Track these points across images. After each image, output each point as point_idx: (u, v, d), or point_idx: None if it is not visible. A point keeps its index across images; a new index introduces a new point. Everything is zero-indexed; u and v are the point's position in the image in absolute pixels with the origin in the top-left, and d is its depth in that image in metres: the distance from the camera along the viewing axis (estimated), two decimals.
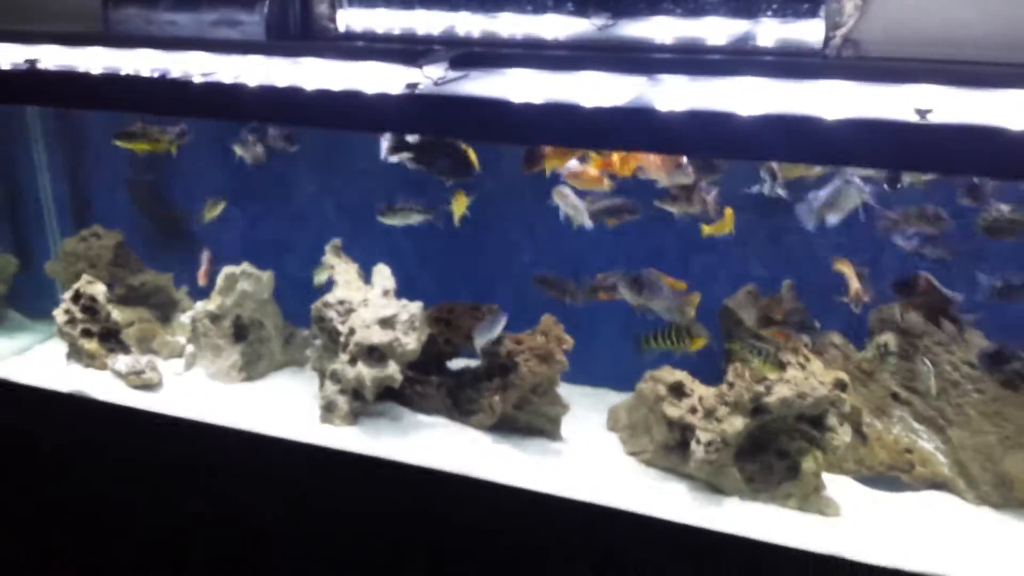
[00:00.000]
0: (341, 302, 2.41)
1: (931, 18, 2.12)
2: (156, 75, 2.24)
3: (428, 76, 2.05)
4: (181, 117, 2.50)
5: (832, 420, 2.03)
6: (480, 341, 2.29)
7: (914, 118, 1.62)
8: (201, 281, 2.63)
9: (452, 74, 2.07)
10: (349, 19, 2.63)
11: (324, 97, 1.96)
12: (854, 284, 2.11)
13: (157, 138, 2.52)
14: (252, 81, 2.10)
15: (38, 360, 2.81)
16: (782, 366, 2.03)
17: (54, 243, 2.94)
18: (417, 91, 1.93)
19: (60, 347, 2.78)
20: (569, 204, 2.23)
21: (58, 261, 2.82)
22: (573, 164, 2.21)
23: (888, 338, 2.17)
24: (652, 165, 2.10)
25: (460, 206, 2.34)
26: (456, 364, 2.53)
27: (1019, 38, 2.03)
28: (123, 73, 2.26)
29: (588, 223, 2.23)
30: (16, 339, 2.91)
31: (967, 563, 1.89)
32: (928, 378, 2.15)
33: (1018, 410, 2.06)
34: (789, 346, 2.09)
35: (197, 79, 2.17)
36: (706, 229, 2.17)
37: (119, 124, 2.71)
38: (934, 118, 1.62)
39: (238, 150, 2.57)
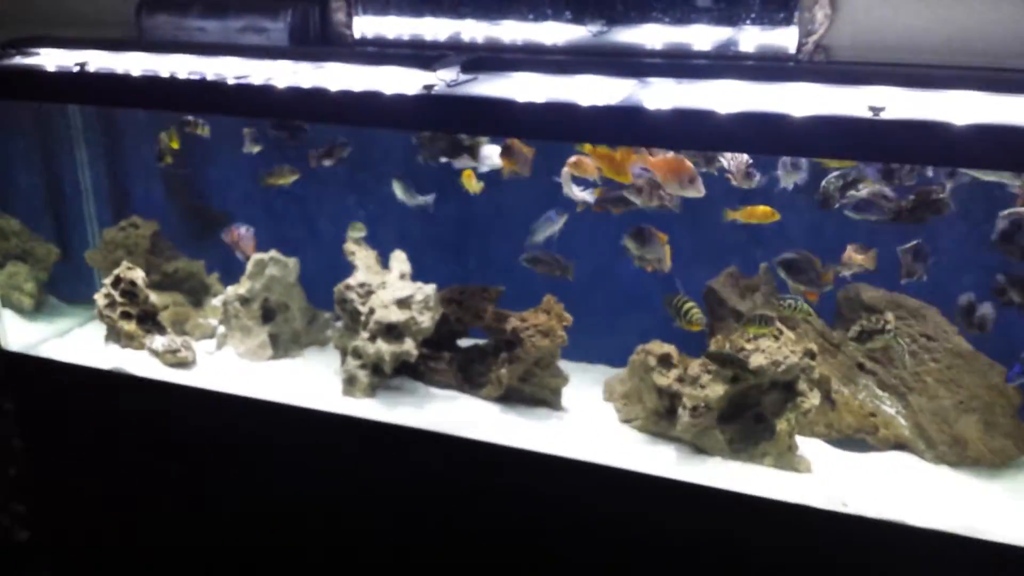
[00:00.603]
0: (361, 285, 2.64)
1: (893, 27, 2.36)
2: (192, 76, 2.49)
3: (442, 79, 2.30)
4: (216, 115, 2.73)
5: (803, 385, 2.27)
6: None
7: (868, 114, 1.88)
8: (250, 254, 2.85)
9: (463, 77, 2.31)
10: (364, 26, 2.86)
11: (349, 97, 2.20)
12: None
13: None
14: (282, 82, 2.34)
15: (78, 341, 3.04)
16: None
17: (92, 234, 3.17)
18: (433, 92, 2.19)
19: (98, 330, 3.01)
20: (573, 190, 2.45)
21: (97, 250, 3.05)
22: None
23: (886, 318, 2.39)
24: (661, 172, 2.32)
25: (471, 183, 2.54)
26: (465, 342, 2.78)
27: (968, 44, 2.27)
28: (162, 75, 2.50)
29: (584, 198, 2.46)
30: (56, 323, 3.15)
31: (924, 512, 2.12)
32: (902, 355, 2.38)
33: (970, 377, 2.30)
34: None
35: (231, 80, 2.41)
36: (729, 214, 2.37)
37: (159, 122, 2.97)
38: (885, 115, 1.86)
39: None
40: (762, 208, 2.32)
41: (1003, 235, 2.13)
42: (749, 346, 2.27)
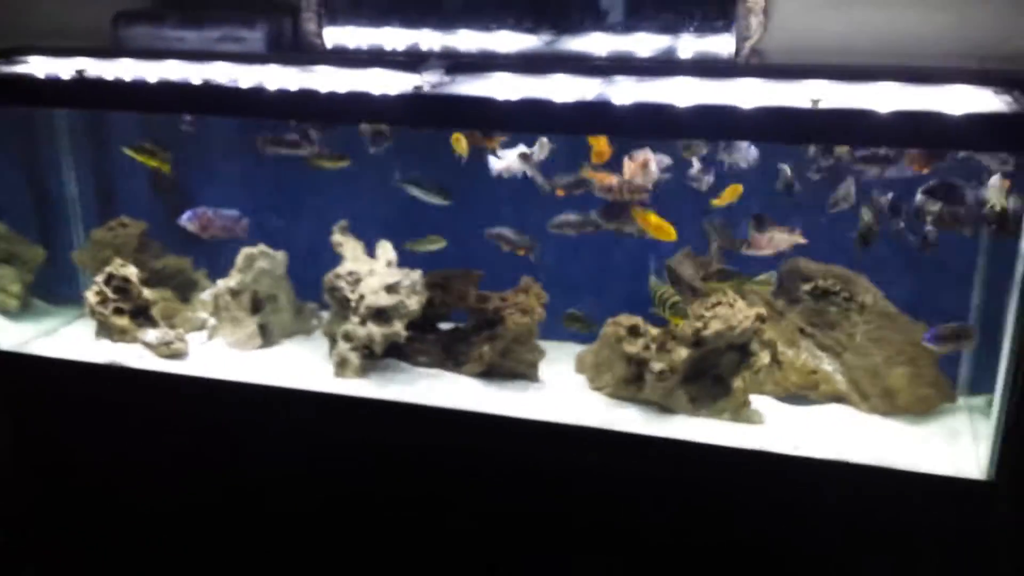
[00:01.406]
0: (350, 273, 2.86)
1: (820, 32, 2.68)
2: (186, 79, 2.68)
3: (427, 80, 2.55)
4: (204, 116, 2.91)
5: (754, 346, 2.57)
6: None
7: (808, 104, 2.19)
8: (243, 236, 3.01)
9: (447, 78, 2.56)
10: (333, 36, 3.08)
11: (347, 96, 2.43)
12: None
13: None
14: (270, 84, 2.56)
15: (67, 339, 3.17)
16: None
17: (77, 236, 3.30)
18: (423, 91, 2.44)
19: (85, 328, 3.15)
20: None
21: (86, 249, 3.18)
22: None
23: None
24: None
25: (460, 145, 2.71)
26: (445, 326, 3.01)
27: (884, 45, 2.62)
28: (158, 78, 2.68)
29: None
30: (42, 323, 3.26)
31: (861, 452, 2.43)
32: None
33: (896, 335, 2.64)
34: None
35: (220, 81, 2.61)
36: (714, 203, 2.64)
37: (144, 125, 3.13)
38: (823, 104, 2.19)
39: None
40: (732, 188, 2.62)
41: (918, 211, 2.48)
42: (708, 313, 2.57)
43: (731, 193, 2.62)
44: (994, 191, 2.30)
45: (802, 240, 2.62)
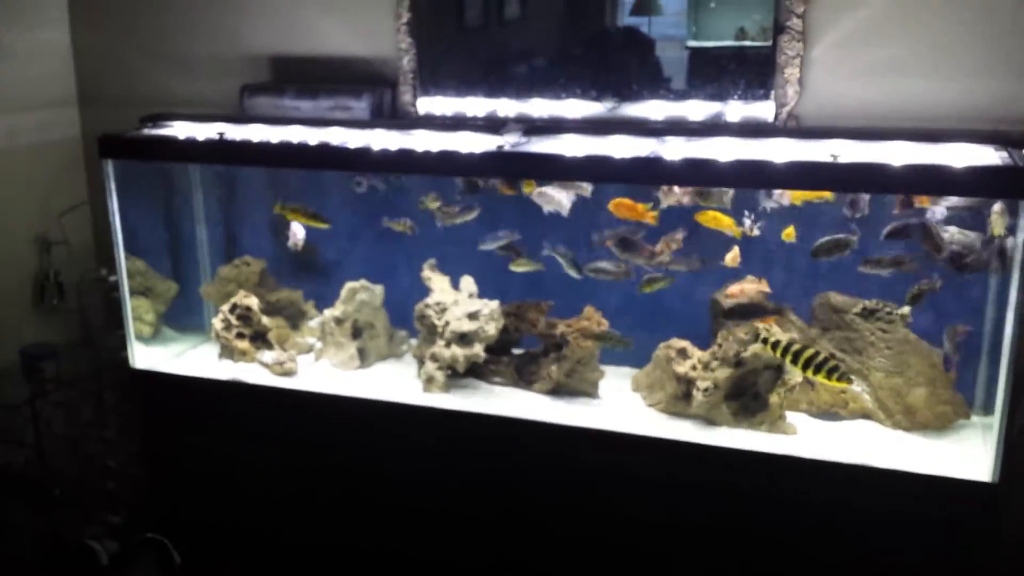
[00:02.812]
0: (437, 303, 3.33)
1: (848, 99, 3.10)
2: (305, 141, 3.22)
3: (507, 140, 3.04)
4: (328, 170, 3.45)
5: (788, 366, 2.97)
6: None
7: (828, 159, 2.63)
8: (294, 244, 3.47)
9: (524, 139, 3.05)
10: (425, 105, 3.61)
11: (444, 154, 2.95)
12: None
13: None
14: (376, 144, 3.08)
15: (193, 360, 3.69)
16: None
17: (203, 273, 3.85)
18: (504, 150, 2.94)
19: (209, 351, 3.68)
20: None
21: (212, 284, 3.73)
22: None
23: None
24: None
25: (530, 187, 3.13)
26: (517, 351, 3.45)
27: (902, 111, 3.03)
28: (282, 139, 3.24)
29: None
30: (171, 347, 3.80)
31: (885, 458, 2.79)
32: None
33: (915, 358, 2.99)
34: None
35: (333, 142, 3.15)
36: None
37: (261, 177, 3.68)
38: (841, 159, 2.62)
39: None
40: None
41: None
42: (747, 338, 2.98)
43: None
44: (996, 217, 2.66)
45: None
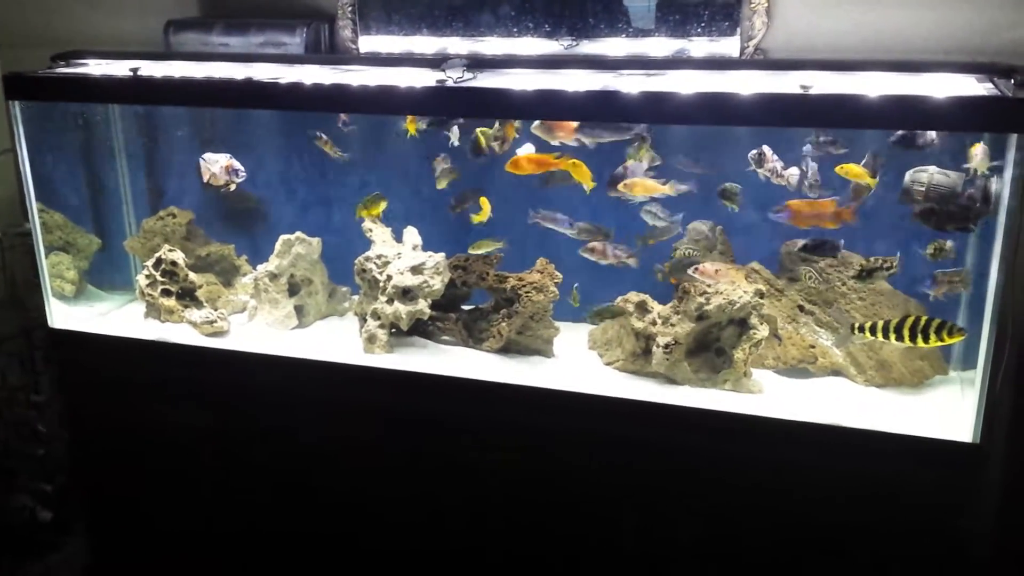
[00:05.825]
0: (379, 256, 3.08)
1: (818, 30, 2.89)
2: (233, 77, 2.93)
3: (450, 76, 2.77)
4: (257, 109, 3.16)
5: (754, 320, 2.75)
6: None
7: (799, 91, 2.39)
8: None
9: (468, 74, 2.78)
10: (368, 43, 3.33)
11: (380, 90, 2.67)
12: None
13: None
14: (309, 79, 2.80)
15: (119, 319, 3.42)
16: None
17: (129, 227, 3.56)
18: (446, 85, 2.67)
19: (135, 311, 3.41)
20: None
21: (136, 237, 3.44)
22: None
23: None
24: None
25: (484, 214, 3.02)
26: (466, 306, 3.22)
27: (880, 43, 2.81)
28: (207, 76, 2.95)
29: None
30: (96, 306, 3.52)
31: (854, 418, 2.60)
32: (845, 319, 2.85)
33: (889, 310, 2.80)
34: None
35: (264, 78, 2.86)
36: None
37: (191, 121, 3.38)
38: (813, 91, 2.38)
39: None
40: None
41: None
42: (710, 289, 2.75)
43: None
44: (976, 159, 2.45)
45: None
